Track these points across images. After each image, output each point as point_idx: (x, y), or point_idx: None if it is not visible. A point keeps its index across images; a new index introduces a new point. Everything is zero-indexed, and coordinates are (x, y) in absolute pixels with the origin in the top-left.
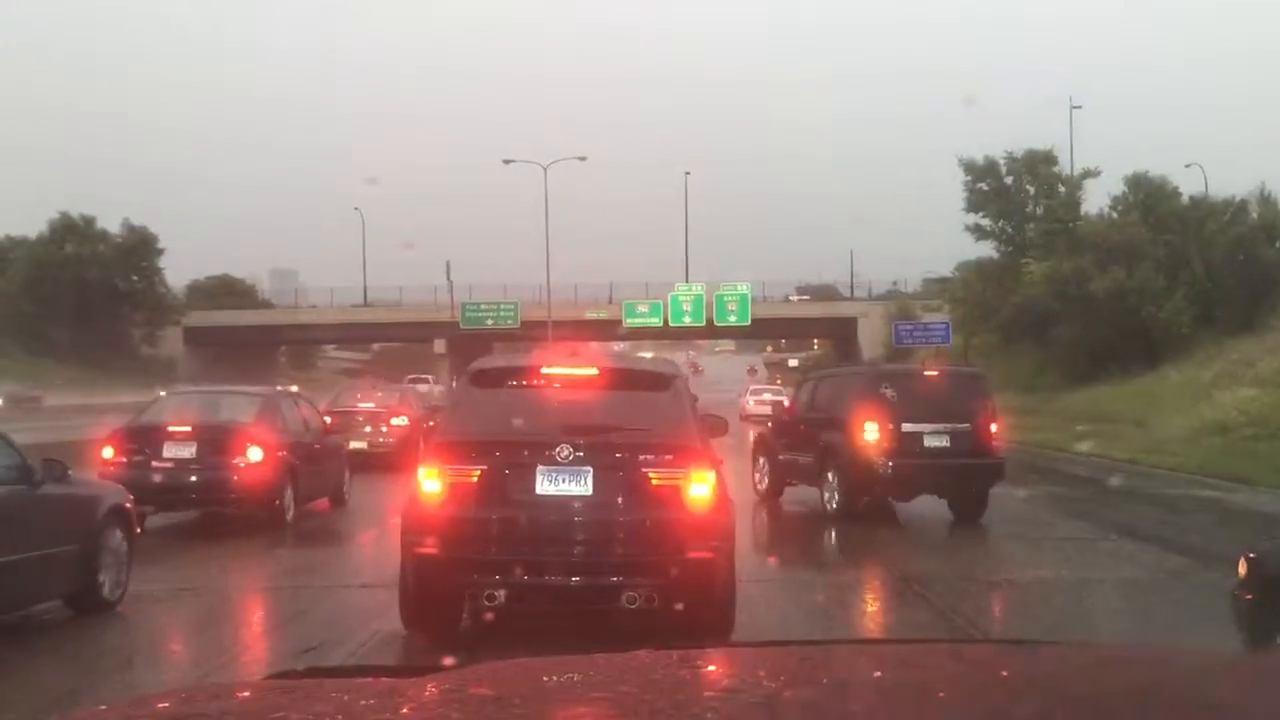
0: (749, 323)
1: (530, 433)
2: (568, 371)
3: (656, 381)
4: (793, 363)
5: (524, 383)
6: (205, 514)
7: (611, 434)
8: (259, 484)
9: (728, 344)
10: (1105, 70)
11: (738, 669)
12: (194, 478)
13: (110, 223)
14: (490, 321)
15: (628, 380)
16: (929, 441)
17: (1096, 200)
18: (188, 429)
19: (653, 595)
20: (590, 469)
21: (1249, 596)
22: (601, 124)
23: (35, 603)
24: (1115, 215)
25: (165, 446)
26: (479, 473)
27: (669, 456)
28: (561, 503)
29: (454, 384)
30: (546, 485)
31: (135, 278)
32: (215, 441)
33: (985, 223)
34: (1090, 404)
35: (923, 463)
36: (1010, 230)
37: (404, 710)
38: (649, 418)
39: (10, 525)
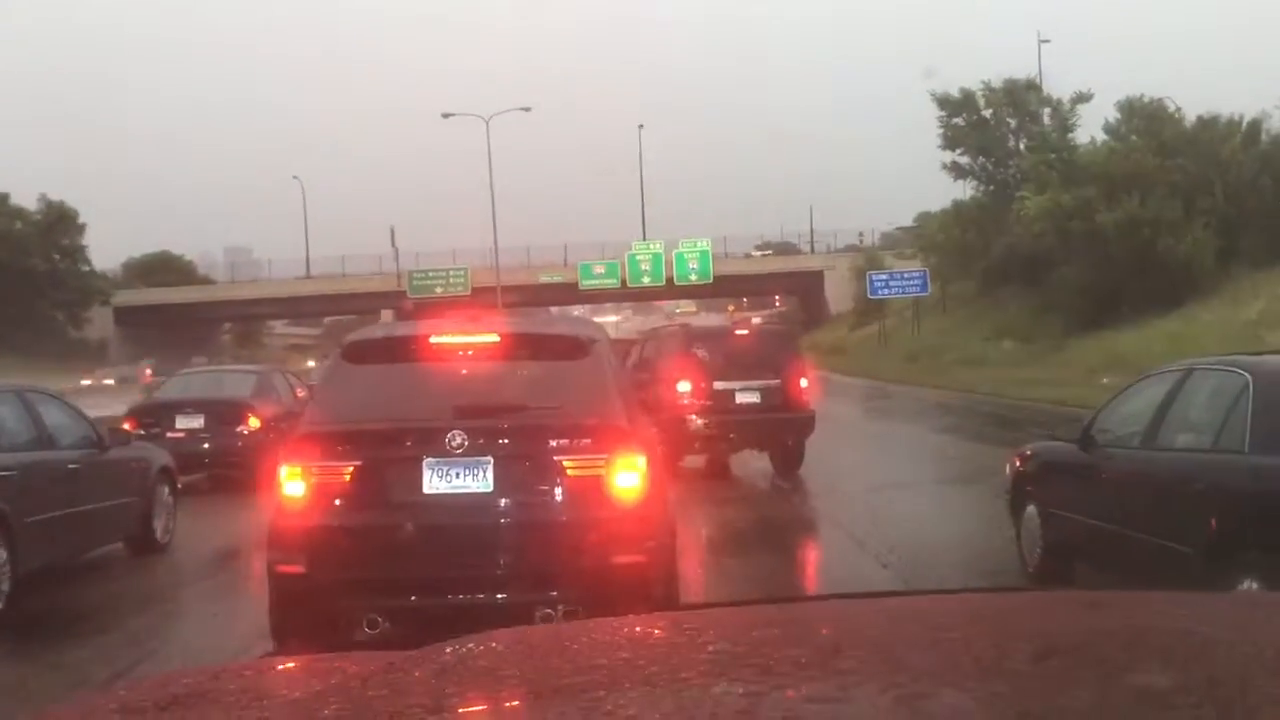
0: (710, 280)
1: (415, 418)
2: (462, 340)
3: (572, 347)
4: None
5: (409, 357)
6: (213, 476)
7: (516, 415)
8: (259, 449)
9: (689, 304)
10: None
11: (734, 629)
12: (205, 445)
13: (28, 200)
14: (439, 289)
15: (537, 348)
16: (740, 398)
17: (1086, 131)
18: (196, 404)
19: (574, 611)
20: (490, 460)
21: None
22: (548, 75)
23: (106, 543)
24: (1114, 143)
25: (177, 419)
26: (352, 470)
27: (587, 440)
28: (455, 503)
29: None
30: (436, 482)
31: (57, 256)
32: (220, 414)
33: (964, 160)
34: (1106, 351)
35: (735, 419)
36: (991, 167)
37: (400, 684)
38: (562, 393)
39: (87, 481)
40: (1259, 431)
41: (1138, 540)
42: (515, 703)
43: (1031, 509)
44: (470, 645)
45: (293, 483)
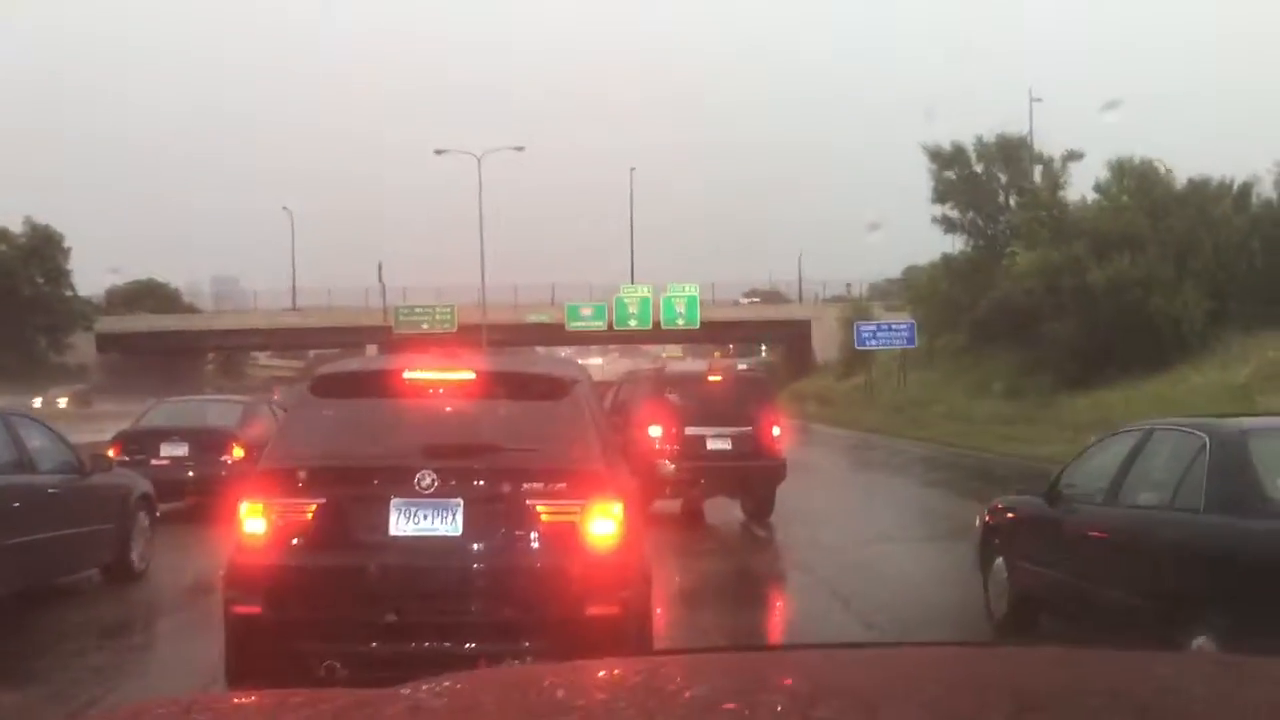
0: (698, 325)
1: (383, 456)
2: (436, 376)
3: (551, 388)
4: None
5: (379, 392)
6: (196, 505)
7: (488, 456)
8: (243, 479)
9: (675, 349)
10: (1066, 62)
11: (710, 675)
12: (189, 473)
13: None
14: (425, 325)
15: (515, 387)
16: (711, 444)
17: (1076, 189)
18: (180, 432)
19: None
20: (460, 502)
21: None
22: (542, 116)
23: (83, 569)
24: (1104, 201)
25: (162, 447)
26: (315, 508)
27: (562, 484)
28: (422, 546)
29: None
30: (403, 524)
31: (40, 280)
32: (205, 443)
33: (954, 214)
34: (1097, 410)
35: (706, 464)
36: (981, 221)
37: None
38: (539, 434)
39: (67, 506)
40: (1214, 491)
41: (1098, 594)
42: None
43: (999, 561)
44: (447, 684)
45: (253, 520)
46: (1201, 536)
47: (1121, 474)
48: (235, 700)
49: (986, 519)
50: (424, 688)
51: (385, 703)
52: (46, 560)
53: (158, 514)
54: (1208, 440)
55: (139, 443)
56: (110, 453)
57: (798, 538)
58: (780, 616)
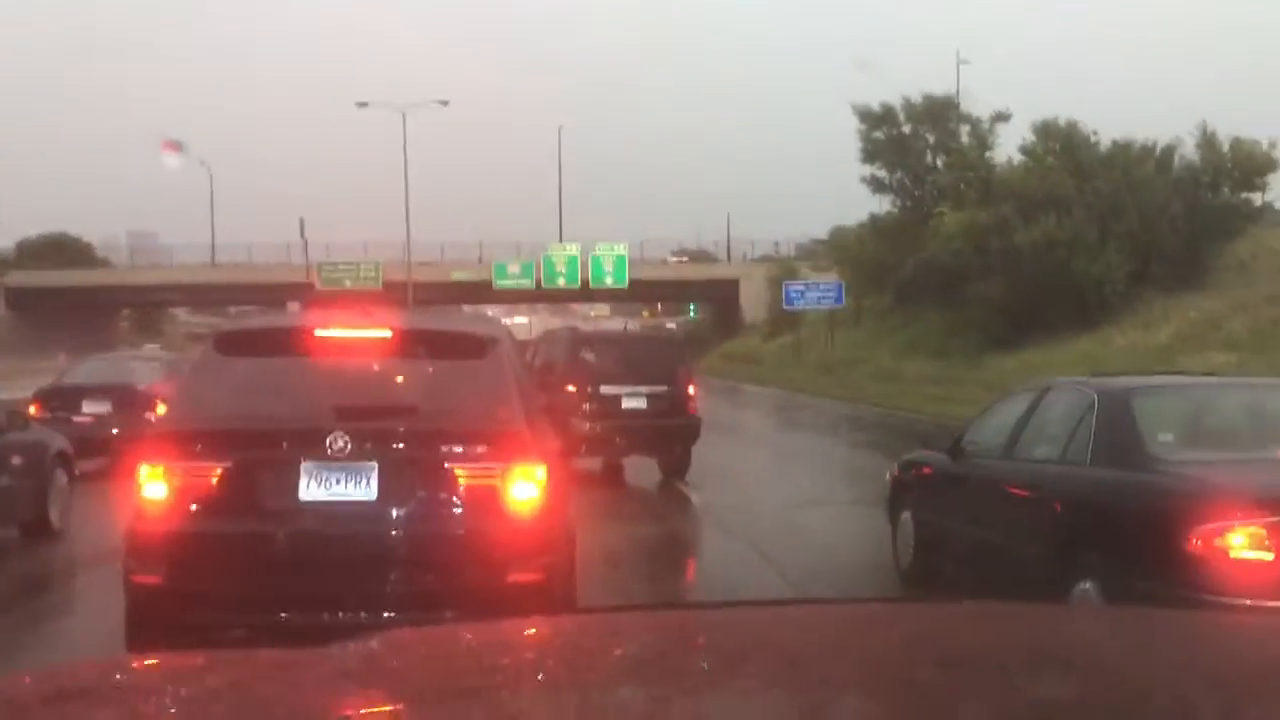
0: (626, 285)
1: (293, 417)
2: (349, 334)
3: (471, 346)
4: (670, 327)
5: (289, 350)
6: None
7: (405, 417)
8: None
9: (602, 308)
10: (992, 24)
11: (638, 633)
12: (113, 430)
13: None
14: (349, 282)
15: (433, 345)
16: (627, 403)
17: (1003, 151)
18: (103, 389)
19: None
20: (375, 465)
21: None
22: (467, 70)
23: (0, 527)
24: (1030, 163)
25: (84, 404)
26: (220, 472)
27: (482, 447)
28: (335, 512)
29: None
30: (314, 489)
31: None
32: (128, 400)
33: (883, 174)
34: (1024, 371)
35: (621, 423)
36: (909, 182)
37: (298, 682)
38: (458, 395)
39: None
40: (1100, 445)
41: (995, 543)
42: (418, 703)
43: (906, 514)
44: (372, 644)
45: (153, 484)
46: (1086, 487)
47: (1018, 430)
48: (165, 659)
49: (895, 474)
50: (350, 646)
51: (313, 663)
52: None
53: (77, 472)
54: (1096, 398)
55: (60, 399)
56: (31, 409)
57: (722, 500)
58: (706, 579)
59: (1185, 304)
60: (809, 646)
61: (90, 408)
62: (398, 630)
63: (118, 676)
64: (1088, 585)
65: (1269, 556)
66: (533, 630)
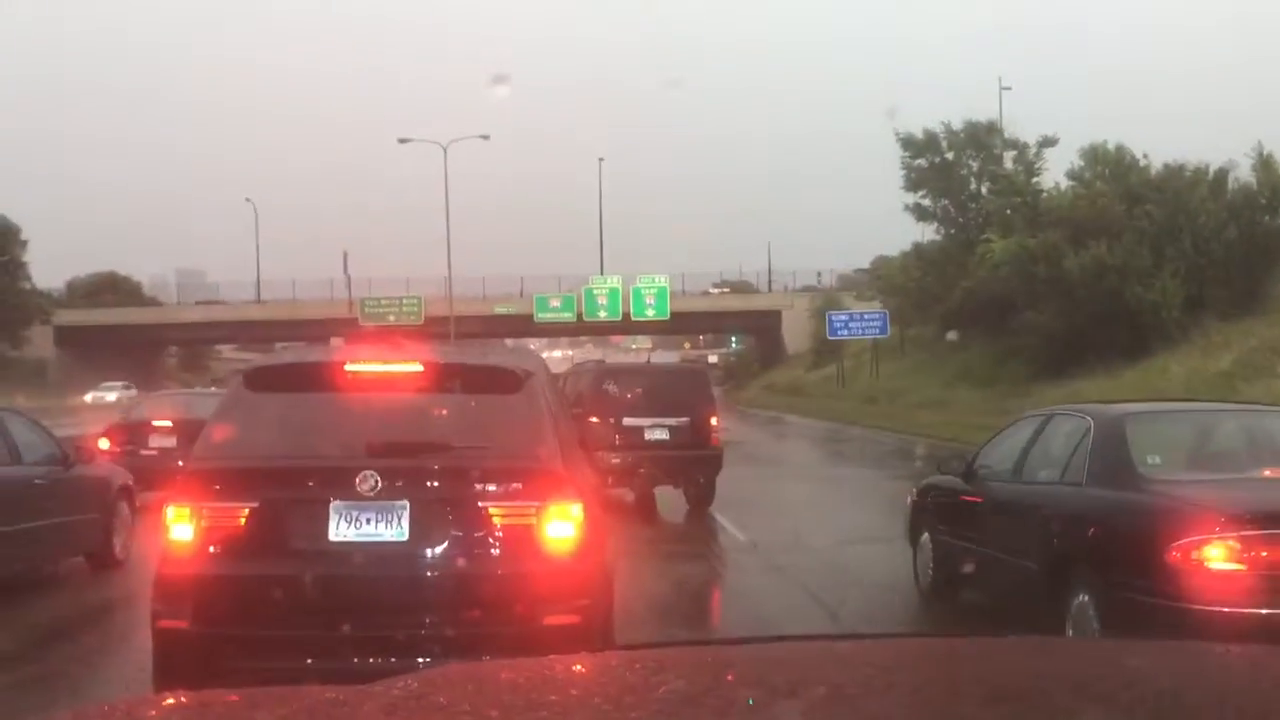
0: (668, 317)
1: (322, 455)
2: (381, 369)
3: (505, 380)
4: (712, 359)
5: (319, 386)
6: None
7: (437, 454)
8: None
9: (644, 340)
10: (1037, 51)
11: (683, 669)
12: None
13: None
14: (392, 317)
15: (466, 380)
16: (649, 434)
17: (1050, 176)
18: (169, 423)
19: None
20: (406, 504)
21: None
22: (508, 105)
23: (68, 557)
24: (1079, 188)
25: (150, 438)
26: (248, 512)
27: (517, 484)
28: (365, 553)
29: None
30: (344, 529)
31: None
32: (194, 434)
33: (926, 202)
34: (1071, 399)
35: (644, 454)
36: (954, 210)
37: (348, 718)
38: (492, 431)
39: (51, 497)
40: (1095, 467)
41: (1003, 561)
42: None
43: (925, 536)
44: (415, 682)
45: (180, 525)
46: (1082, 507)
47: (1025, 454)
48: (208, 697)
49: (915, 497)
50: (394, 683)
51: (358, 700)
52: (35, 548)
53: (138, 505)
54: (1091, 423)
55: (128, 434)
56: (103, 443)
57: (770, 538)
58: (757, 622)
59: (1244, 330)
60: (855, 682)
61: (156, 442)
62: (441, 667)
63: (170, 713)
64: (1084, 598)
65: (1242, 568)
66: (578, 666)
